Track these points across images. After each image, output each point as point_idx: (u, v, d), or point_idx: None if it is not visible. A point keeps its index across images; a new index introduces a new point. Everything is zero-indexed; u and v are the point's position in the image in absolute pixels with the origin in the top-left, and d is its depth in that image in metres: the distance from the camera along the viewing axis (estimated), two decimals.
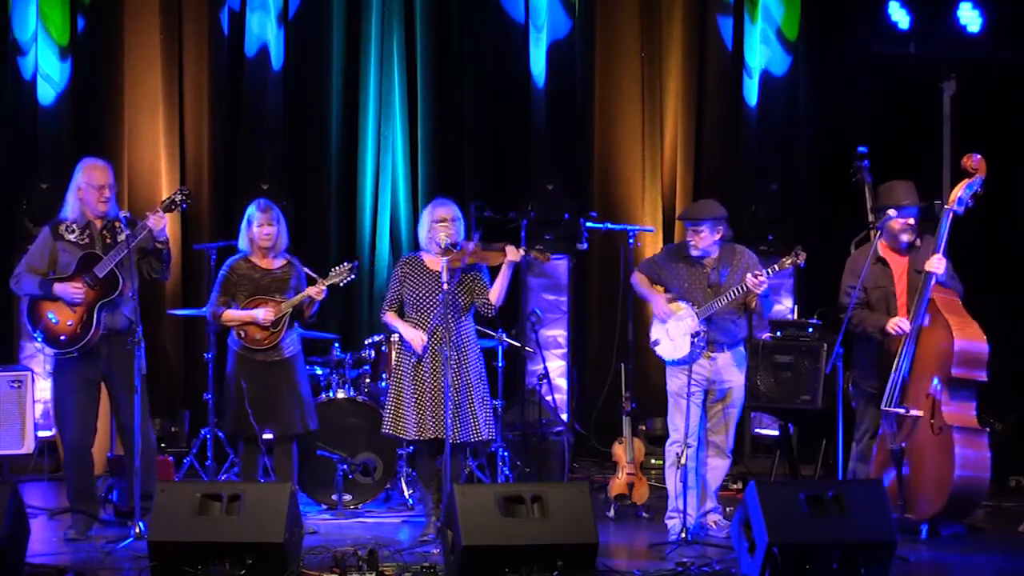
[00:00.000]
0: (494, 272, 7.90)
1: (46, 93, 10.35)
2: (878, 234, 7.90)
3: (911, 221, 7.88)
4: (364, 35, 10.76)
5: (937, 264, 7.73)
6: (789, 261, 7.58)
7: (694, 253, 7.84)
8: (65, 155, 10.03)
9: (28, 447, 9.17)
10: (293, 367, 8.09)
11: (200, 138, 10.65)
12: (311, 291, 7.96)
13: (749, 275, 7.61)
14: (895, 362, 7.76)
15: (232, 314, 7.95)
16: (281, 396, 8.00)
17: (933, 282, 7.74)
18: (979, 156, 7.90)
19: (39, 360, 9.81)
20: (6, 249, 9.85)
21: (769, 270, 7.62)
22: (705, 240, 7.80)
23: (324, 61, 10.75)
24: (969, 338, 7.70)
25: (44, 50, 10.33)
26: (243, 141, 10.76)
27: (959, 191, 7.83)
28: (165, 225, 7.64)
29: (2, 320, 10.01)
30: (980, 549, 7.69)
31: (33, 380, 9.25)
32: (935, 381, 7.72)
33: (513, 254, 7.72)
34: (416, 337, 7.70)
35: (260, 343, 7.95)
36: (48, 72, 10.35)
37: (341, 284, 8.09)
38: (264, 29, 10.64)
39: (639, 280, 8.07)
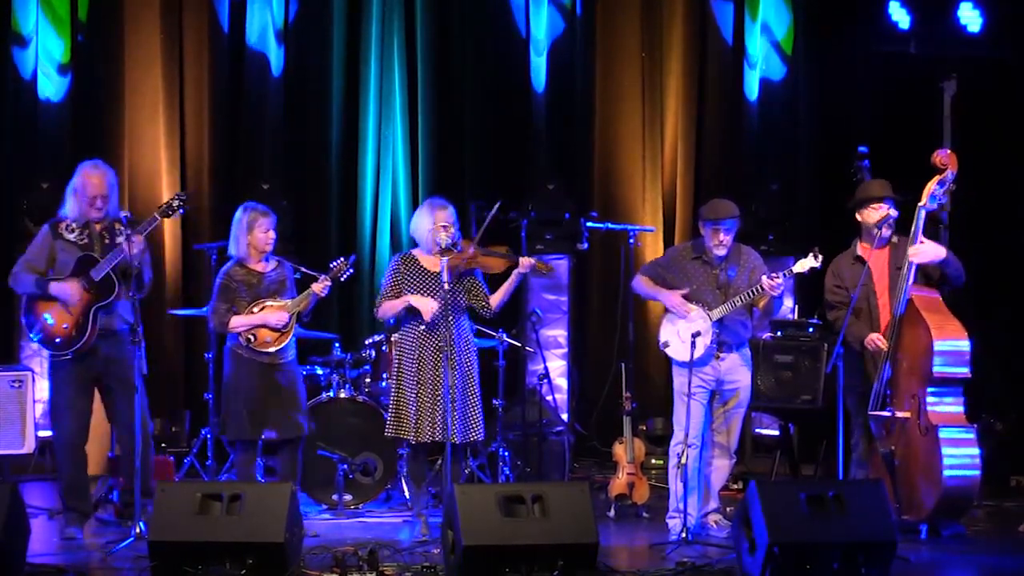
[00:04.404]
0: (489, 276, 7.97)
1: (47, 91, 10.36)
2: (879, 233, 7.90)
3: (893, 211, 7.88)
4: (364, 35, 10.77)
5: (915, 254, 7.73)
6: (808, 265, 7.57)
7: (719, 253, 7.79)
8: (66, 154, 10.04)
9: (29, 447, 9.17)
10: (294, 370, 8.08)
11: (200, 137, 10.66)
12: (315, 287, 7.92)
13: (765, 277, 7.58)
14: (878, 366, 7.78)
15: (241, 320, 7.90)
16: (288, 398, 7.97)
17: (914, 270, 7.74)
18: (947, 151, 7.91)
19: (39, 360, 9.82)
20: (6, 248, 9.86)
21: (786, 272, 7.62)
22: (730, 240, 7.78)
23: (324, 61, 10.76)
24: (948, 336, 7.69)
25: (45, 49, 10.35)
26: (243, 140, 10.77)
27: (931, 188, 7.83)
28: (139, 249, 7.59)
29: (2, 320, 10.01)
30: (980, 549, 7.68)
31: (34, 380, 9.25)
32: (918, 381, 7.72)
33: (525, 266, 7.73)
34: (426, 305, 7.68)
35: (270, 345, 7.91)
36: (49, 71, 10.36)
37: (342, 279, 8.06)
38: (265, 27, 10.64)
39: (642, 282, 7.99)
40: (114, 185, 7.85)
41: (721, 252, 7.79)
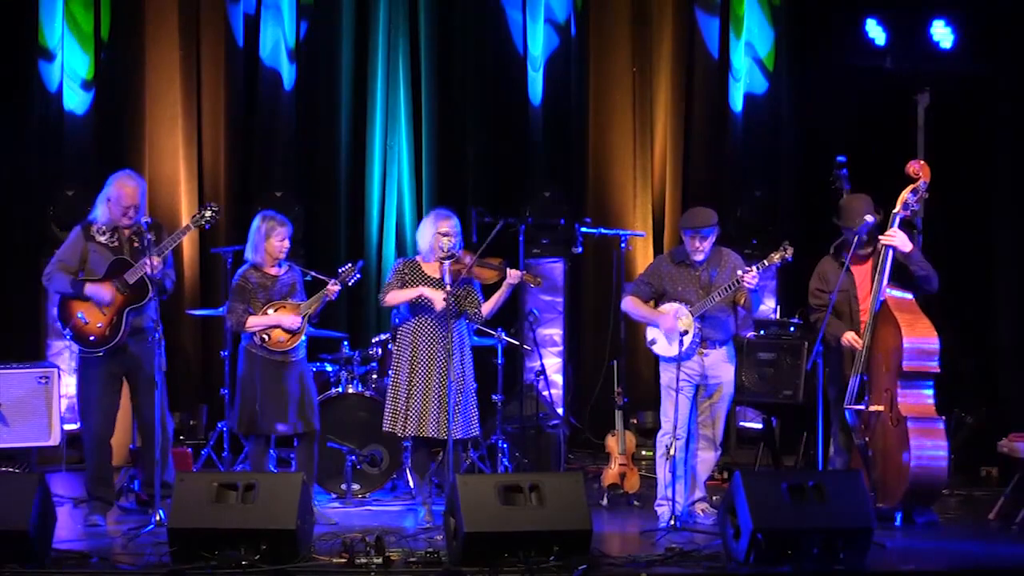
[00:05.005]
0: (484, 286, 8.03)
1: (71, 104, 10.36)
2: (855, 239, 7.89)
3: (870, 217, 7.88)
4: (371, 52, 10.76)
5: (888, 235, 7.72)
6: (778, 256, 7.58)
7: (698, 258, 7.80)
8: (90, 163, 10.06)
9: (54, 440, 9.18)
10: (305, 367, 8.08)
11: (217, 148, 10.66)
12: (327, 290, 7.95)
13: (740, 271, 7.61)
14: (854, 362, 7.79)
15: (257, 320, 7.90)
16: (300, 395, 7.97)
17: (890, 260, 7.75)
18: (920, 162, 7.92)
19: (65, 358, 9.82)
20: (34, 252, 9.86)
21: (759, 265, 7.63)
22: (708, 246, 7.79)
23: (333, 76, 10.76)
24: (917, 334, 7.71)
25: (69, 65, 10.36)
26: (257, 151, 10.78)
27: (904, 196, 7.84)
28: (155, 264, 7.62)
29: (30, 320, 10.03)
30: (952, 536, 7.68)
31: (60, 377, 9.25)
32: (890, 376, 7.74)
33: (514, 277, 7.77)
34: (436, 295, 7.71)
35: (283, 345, 7.92)
36: (74, 86, 10.37)
37: (349, 283, 8.08)
38: (277, 45, 10.64)
39: (632, 303, 7.94)
40: (144, 194, 7.90)
41: (699, 257, 7.82)
